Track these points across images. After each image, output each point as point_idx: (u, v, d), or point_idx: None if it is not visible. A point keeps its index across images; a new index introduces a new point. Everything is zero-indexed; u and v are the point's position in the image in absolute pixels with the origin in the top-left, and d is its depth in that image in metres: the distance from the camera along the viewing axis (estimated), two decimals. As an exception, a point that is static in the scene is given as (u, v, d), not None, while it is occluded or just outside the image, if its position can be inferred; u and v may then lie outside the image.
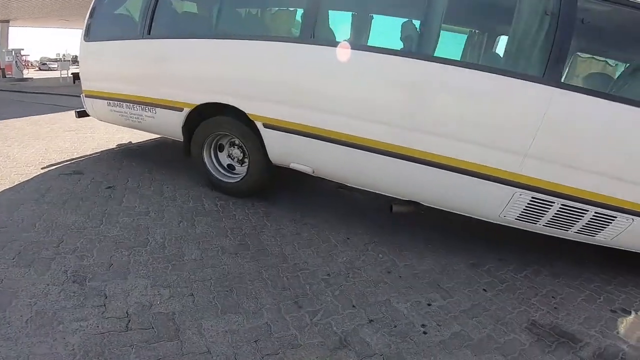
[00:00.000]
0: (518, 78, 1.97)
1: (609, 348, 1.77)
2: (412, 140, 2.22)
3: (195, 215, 2.67)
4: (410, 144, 2.23)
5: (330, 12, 2.70)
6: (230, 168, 3.14)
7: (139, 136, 4.68)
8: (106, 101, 3.42)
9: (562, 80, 1.98)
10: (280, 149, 2.66)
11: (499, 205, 2.21)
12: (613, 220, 2.03)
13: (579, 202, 2.04)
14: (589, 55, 2.68)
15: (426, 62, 2.14)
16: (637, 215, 1.98)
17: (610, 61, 2.66)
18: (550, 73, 1.90)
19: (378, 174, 2.45)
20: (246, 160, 2.98)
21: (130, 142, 4.48)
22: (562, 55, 1.87)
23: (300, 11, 2.69)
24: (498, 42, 3.26)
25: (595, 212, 2.03)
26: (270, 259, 2.26)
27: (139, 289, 1.88)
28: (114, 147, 4.24)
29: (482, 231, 2.77)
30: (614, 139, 1.95)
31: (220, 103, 2.72)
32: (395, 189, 2.50)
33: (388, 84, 2.26)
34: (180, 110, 2.92)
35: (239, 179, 3.01)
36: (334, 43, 2.38)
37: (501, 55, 2.23)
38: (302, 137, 2.48)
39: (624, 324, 1.99)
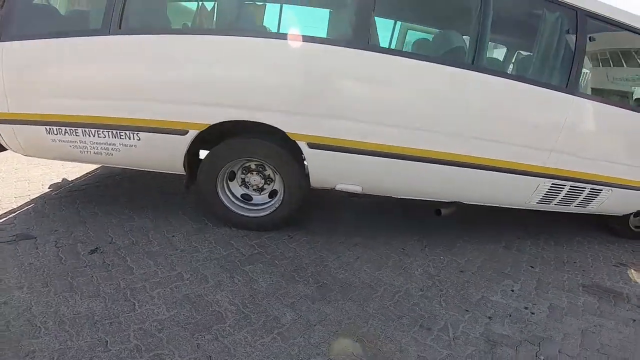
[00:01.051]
0: (548, 88, 2.38)
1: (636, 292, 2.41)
2: (460, 147, 2.39)
3: (242, 265, 2.16)
4: (458, 150, 2.39)
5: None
6: (245, 198, 2.65)
7: (70, 169, 3.32)
8: (45, 127, 2.29)
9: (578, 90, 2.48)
10: (328, 170, 2.41)
11: (528, 194, 2.64)
12: (600, 192, 2.71)
13: (581, 183, 2.63)
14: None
15: (479, 73, 2.31)
16: (614, 187, 2.69)
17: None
18: (571, 85, 2.37)
19: (429, 181, 2.53)
20: (266, 187, 2.59)
21: (64, 179, 3.12)
22: (580, 69, 2.36)
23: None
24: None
25: (591, 189, 2.67)
26: (359, 292, 2.07)
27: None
28: (48, 190, 2.88)
29: (485, 217, 3.22)
30: (603, 134, 2.60)
31: (247, 121, 2.23)
32: (443, 194, 2.64)
33: (449, 96, 2.34)
34: (184, 133, 2.23)
35: (269, 211, 2.54)
36: (390, 50, 2.30)
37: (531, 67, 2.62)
38: (354, 154, 2.31)
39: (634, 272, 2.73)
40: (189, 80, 2.18)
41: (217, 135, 2.35)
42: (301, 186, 2.46)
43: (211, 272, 2.06)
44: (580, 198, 2.73)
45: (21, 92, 2.29)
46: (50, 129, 2.30)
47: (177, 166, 2.39)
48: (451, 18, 2.91)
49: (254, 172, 2.56)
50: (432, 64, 2.25)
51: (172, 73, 2.19)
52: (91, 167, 3.36)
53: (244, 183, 2.61)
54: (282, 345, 1.63)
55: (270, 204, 2.58)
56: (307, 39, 2.14)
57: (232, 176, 2.57)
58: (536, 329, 1.94)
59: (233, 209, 2.55)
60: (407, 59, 2.26)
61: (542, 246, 2.95)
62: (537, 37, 2.37)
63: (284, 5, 3.05)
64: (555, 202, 2.73)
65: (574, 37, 2.34)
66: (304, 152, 2.29)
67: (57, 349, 1.42)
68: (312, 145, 2.27)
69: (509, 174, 2.51)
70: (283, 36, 2.23)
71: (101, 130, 2.26)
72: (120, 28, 2.13)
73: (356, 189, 2.47)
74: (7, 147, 2.49)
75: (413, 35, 3.12)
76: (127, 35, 2.17)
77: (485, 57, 2.34)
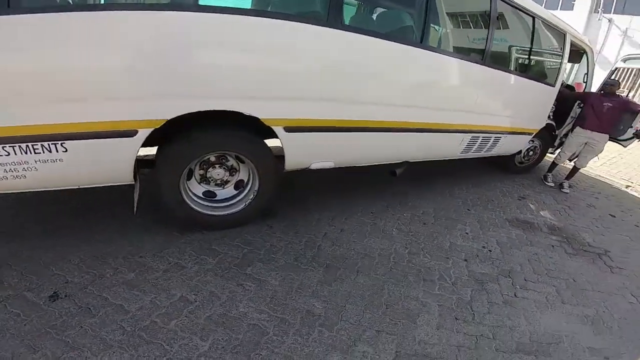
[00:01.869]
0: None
1: (543, 221, 3.26)
2: (411, 116, 2.65)
3: (241, 269, 1.92)
4: (409, 119, 2.65)
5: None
6: (208, 195, 2.32)
7: None
8: None
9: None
10: (304, 151, 2.31)
11: (457, 146, 3.21)
12: (500, 139, 3.47)
13: (489, 133, 3.31)
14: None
15: (428, 51, 2.56)
16: (507, 134, 3.49)
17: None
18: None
19: (387, 147, 2.77)
20: (230, 179, 2.32)
21: None
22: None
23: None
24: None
25: (494, 137, 3.38)
26: (361, 263, 2.18)
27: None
28: None
29: (420, 171, 3.69)
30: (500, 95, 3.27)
31: (213, 110, 1.87)
32: (396, 156, 2.92)
33: (400, 71, 2.51)
34: (132, 134, 1.74)
35: (244, 204, 2.28)
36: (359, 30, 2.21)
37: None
38: (327, 132, 2.29)
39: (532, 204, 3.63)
40: (136, 68, 1.68)
41: (164, 132, 1.94)
42: (276, 172, 2.32)
43: (215, 285, 1.81)
44: (488, 145, 3.45)
45: None
46: None
47: (122, 176, 1.89)
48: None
49: (216, 165, 2.25)
50: (382, 40, 2.34)
51: (110, 60, 1.62)
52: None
53: (204, 179, 2.28)
54: (331, 334, 1.64)
55: (241, 197, 2.34)
56: (273, 14, 1.93)
57: (189, 174, 2.21)
58: (500, 263, 2.46)
59: (202, 210, 2.20)
60: (363, 35, 2.25)
61: (467, 189, 3.64)
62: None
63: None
64: (472, 150, 3.37)
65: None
66: (280, 136, 2.13)
67: None
68: (288, 129, 2.13)
69: (444, 133, 2.99)
70: (252, 12, 1.92)
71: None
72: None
73: (329, 164, 2.48)
74: None
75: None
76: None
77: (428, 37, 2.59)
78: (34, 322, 1.45)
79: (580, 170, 4.38)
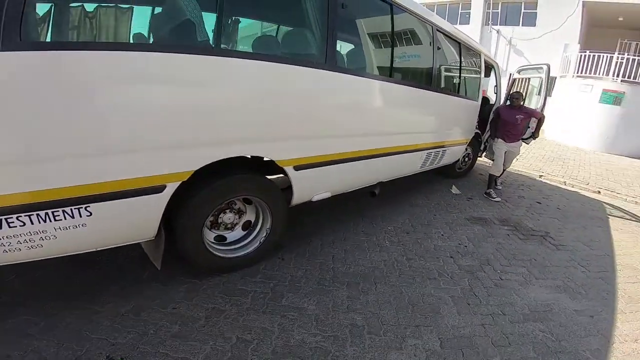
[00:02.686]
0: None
1: (492, 215, 3.91)
2: (388, 142, 3.14)
3: (277, 302, 2.03)
4: (386, 144, 3.13)
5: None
6: (219, 240, 2.37)
7: None
8: None
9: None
10: (309, 186, 2.54)
11: (419, 162, 3.76)
12: (446, 151, 4.13)
13: (438, 148, 3.95)
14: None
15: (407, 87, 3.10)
16: (451, 146, 4.16)
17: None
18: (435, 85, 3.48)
19: (369, 172, 3.15)
20: (237, 221, 2.40)
21: None
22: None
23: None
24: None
25: (442, 150, 4.05)
26: (375, 275, 2.45)
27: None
28: None
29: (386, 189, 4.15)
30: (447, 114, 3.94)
31: (229, 158, 1.99)
32: (376, 178, 3.31)
33: (382, 104, 2.98)
34: (160, 190, 1.76)
35: (258, 243, 2.38)
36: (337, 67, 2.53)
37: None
38: (327, 166, 2.57)
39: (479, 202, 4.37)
40: (165, 118, 1.71)
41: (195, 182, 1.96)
42: (282, 210, 2.48)
43: (262, 322, 1.89)
44: (438, 158, 4.10)
45: None
46: None
47: (147, 234, 1.88)
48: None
49: (226, 210, 2.35)
50: (366, 79, 2.80)
51: (145, 110, 1.63)
52: None
53: (214, 225, 2.34)
54: (380, 337, 1.86)
55: (253, 236, 2.44)
56: (276, 58, 2.21)
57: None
58: (477, 255, 2.94)
59: (221, 255, 2.27)
60: (353, 76, 2.68)
61: (427, 198, 4.19)
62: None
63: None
64: (428, 164, 3.97)
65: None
66: (290, 175, 2.36)
67: None
68: (297, 168, 2.37)
69: (411, 153, 3.52)
70: (259, 56, 2.10)
71: (13, 217, 1.39)
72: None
73: (326, 195, 2.75)
74: None
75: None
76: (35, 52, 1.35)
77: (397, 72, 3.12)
78: None
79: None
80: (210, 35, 1.96)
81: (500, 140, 4.58)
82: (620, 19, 12.95)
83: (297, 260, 2.57)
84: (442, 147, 4.09)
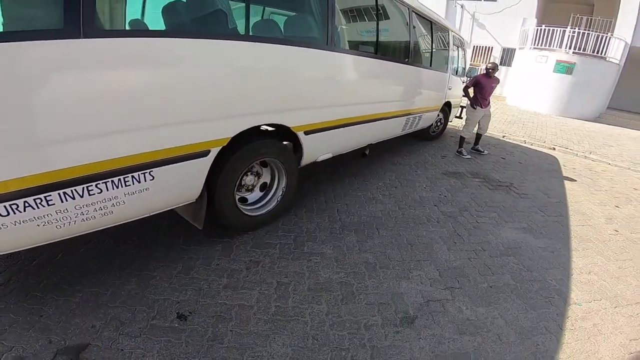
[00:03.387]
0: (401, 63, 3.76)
1: (465, 170, 4.47)
2: (377, 109, 3.52)
3: (313, 249, 2.44)
4: (376, 111, 3.51)
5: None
6: (242, 201, 2.66)
7: None
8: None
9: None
10: (315, 149, 2.85)
11: (400, 127, 4.20)
12: (422, 117, 4.60)
13: (416, 114, 4.39)
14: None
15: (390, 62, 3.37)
16: (425, 112, 4.64)
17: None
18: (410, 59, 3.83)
19: (364, 135, 3.54)
20: (255, 183, 2.71)
21: None
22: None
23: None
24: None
25: (419, 116, 4.50)
26: (377, 222, 2.87)
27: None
28: None
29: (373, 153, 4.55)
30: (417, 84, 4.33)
31: (262, 125, 2.31)
32: (367, 140, 3.72)
33: (370, 77, 3.33)
34: (205, 154, 2.02)
35: (276, 202, 2.70)
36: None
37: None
38: (330, 130, 2.90)
39: (452, 159, 4.93)
40: (208, 94, 1.94)
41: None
42: (295, 171, 2.81)
43: (293, 267, 2.25)
44: (415, 122, 4.58)
45: None
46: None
47: (194, 194, 2.12)
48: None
49: (248, 173, 2.63)
50: (366, 58, 3.13)
51: (193, 87, 1.86)
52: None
53: (237, 188, 2.63)
54: (391, 270, 2.28)
55: (270, 196, 2.75)
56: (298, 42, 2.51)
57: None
58: (456, 203, 3.47)
59: (249, 213, 2.59)
60: (352, 55, 3.05)
61: (407, 157, 4.71)
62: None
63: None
64: (407, 128, 4.43)
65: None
66: (301, 139, 2.67)
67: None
68: (307, 132, 2.68)
69: (394, 118, 3.92)
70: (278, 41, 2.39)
71: (93, 184, 1.58)
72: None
73: (329, 155, 3.09)
74: None
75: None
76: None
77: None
78: (182, 346, 1.62)
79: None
80: (244, 24, 2.18)
81: (478, 107, 5.07)
82: None
83: (308, 215, 2.94)
84: (419, 113, 4.55)
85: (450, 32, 5.35)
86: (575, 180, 4.85)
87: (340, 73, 2.93)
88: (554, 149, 6.63)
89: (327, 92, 2.80)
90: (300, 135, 2.65)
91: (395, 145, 5.15)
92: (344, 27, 3.44)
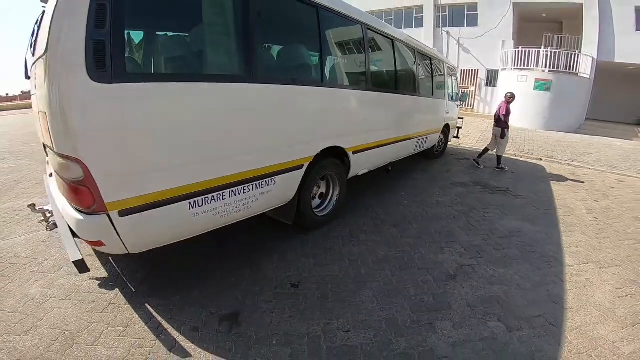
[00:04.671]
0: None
1: (467, 180, 5.37)
2: (400, 132, 4.46)
3: (366, 238, 3.22)
4: (399, 134, 4.44)
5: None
6: None
7: None
8: (187, 202, 2.01)
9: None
10: (359, 165, 3.72)
11: (413, 147, 5.14)
12: (427, 138, 5.55)
13: (422, 136, 5.35)
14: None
15: (389, 94, 4.24)
16: (430, 134, 5.63)
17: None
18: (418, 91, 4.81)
19: (391, 154, 4.44)
20: (316, 193, 3.46)
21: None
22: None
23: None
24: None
25: (424, 137, 5.45)
26: (410, 218, 3.69)
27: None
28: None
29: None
30: (421, 113, 5.30)
31: (329, 147, 3.13)
32: (391, 159, 4.60)
33: (385, 109, 4.21)
34: (300, 167, 2.84)
35: (332, 207, 3.51)
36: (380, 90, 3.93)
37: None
38: (367, 151, 3.78)
39: (456, 172, 5.85)
40: (305, 125, 2.85)
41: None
42: (345, 183, 3.63)
43: (358, 249, 3.02)
44: (423, 143, 5.54)
45: (161, 164, 1.86)
46: (193, 202, 2.04)
47: (290, 196, 2.89)
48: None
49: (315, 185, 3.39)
50: (391, 94, 4.10)
51: (295, 121, 2.75)
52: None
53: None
54: (430, 248, 3.06)
55: (327, 202, 3.56)
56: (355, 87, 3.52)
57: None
58: (466, 205, 4.32)
59: (317, 214, 3.39)
60: (380, 93, 3.97)
61: (421, 173, 5.56)
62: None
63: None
64: (417, 148, 5.40)
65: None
66: (350, 157, 3.50)
67: None
68: (354, 152, 3.55)
69: (409, 140, 4.86)
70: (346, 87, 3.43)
71: (250, 184, 2.37)
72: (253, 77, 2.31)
73: (365, 170, 3.97)
74: (125, 244, 1.84)
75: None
76: (259, 84, 2.37)
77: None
78: (302, 304, 2.29)
79: (462, 147, 6.87)
80: (321, 73, 3.09)
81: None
82: (544, 15, 15.39)
83: (354, 216, 3.74)
84: (426, 135, 5.55)
85: (444, 64, 6.43)
86: (561, 183, 5.76)
87: (375, 107, 3.88)
88: (541, 159, 7.61)
89: (366, 122, 3.72)
90: (350, 154, 3.50)
91: (408, 165, 6.11)
92: (376, 71, 4.35)
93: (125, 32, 1.72)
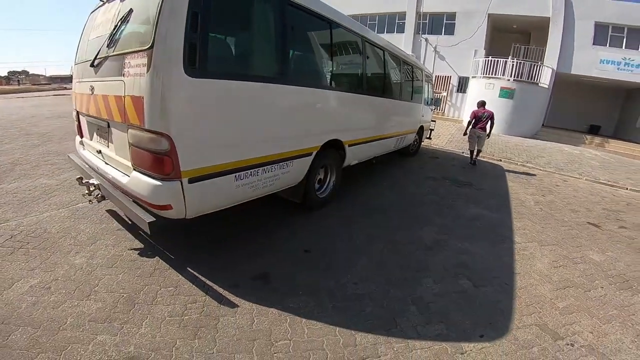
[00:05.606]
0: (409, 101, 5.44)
1: (438, 175, 6.10)
2: (385, 130, 5.11)
3: (369, 212, 3.81)
4: (383, 132, 5.09)
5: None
6: None
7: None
8: (233, 175, 2.52)
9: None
10: (352, 156, 4.33)
11: (393, 144, 5.84)
12: (405, 137, 6.35)
13: (401, 135, 6.05)
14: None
15: (377, 98, 4.86)
16: (407, 134, 6.37)
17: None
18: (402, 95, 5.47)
19: (376, 149, 5.08)
20: (316, 178, 4.04)
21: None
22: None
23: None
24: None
25: (402, 136, 6.15)
26: (406, 200, 4.33)
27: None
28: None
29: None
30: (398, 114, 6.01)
31: (331, 139, 3.71)
32: (376, 153, 5.27)
33: (374, 110, 4.82)
34: (310, 154, 3.40)
35: (330, 190, 4.09)
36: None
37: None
38: (359, 145, 4.40)
39: (427, 168, 6.50)
40: (317, 120, 3.46)
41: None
42: (339, 171, 4.22)
43: (349, 225, 3.60)
44: (401, 142, 6.24)
45: (218, 142, 2.37)
46: (238, 175, 2.58)
47: (300, 178, 3.42)
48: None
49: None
50: (381, 98, 4.71)
51: (311, 117, 3.36)
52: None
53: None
54: (414, 227, 3.73)
55: (326, 186, 4.13)
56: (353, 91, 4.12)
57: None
58: (437, 195, 5.07)
59: (318, 196, 3.95)
60: (371, 96, 4.56)
61: (397, 168, 6.26)
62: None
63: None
64: (396, 145, 6.07)
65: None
66: (346, 150, 4.08)
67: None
68: (350, 145, 4.14)
69: (391, 138, 5.56)
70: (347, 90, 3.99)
71: (273, 165, 2.93)
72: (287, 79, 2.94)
73: (356, 161, 4.59)
74: (187, 208, 2.27)
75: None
76: (292, 86, 3.01)
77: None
78: (319, 265, 2.86)
79: (433, 147, 7.68)
80: (330, 78, 3.67)
81: (474, 129, 7.25)
82: (515, 26, 16.72)
83: (345, 202, 4.33)
84: (404, 134, 6.27)
85: (422, 71, 7.16)
86: (515, 180, 6.69)
87: (367, 108, 4.51)
88: (501, 160, 8.60)
89: (360, 120, 4.35)
90: (346, 147, 4.08)
91: (388, 161, 6.84)
92: (370, 78, 4.91)
93: (209, 37, 2.21)
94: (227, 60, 2.58)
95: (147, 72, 2.01)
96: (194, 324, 2.05)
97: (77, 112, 3.33)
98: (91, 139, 3.13)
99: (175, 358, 1.80)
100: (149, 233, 2.27)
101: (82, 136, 3.41)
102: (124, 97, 2.25)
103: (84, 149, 3.36)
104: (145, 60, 2.02)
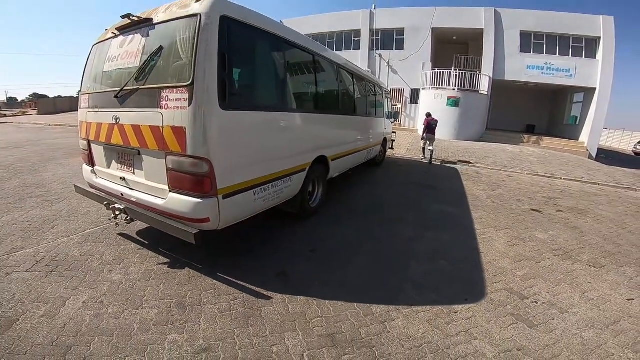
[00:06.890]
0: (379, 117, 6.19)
1: (406, 180, 6.91)
2: (358, 144, 5.81)
3: (362, 218, 4.38)
4: (357, 146, 5.80)
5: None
6: None
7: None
8: (252, 191, 3.00)
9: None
10: (334, 169, 4.93)
11: (364, 156, 6.66)
12: (373, 149, 7.24)
13: (371, 147, 6.93)
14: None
15: (351, 116, 5.58)
16: (374, 146, 7.35)
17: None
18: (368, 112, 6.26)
19: (351, 162, 5.77)
20: (309, 189, 4.59)
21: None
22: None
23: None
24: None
25: (372, 149, 7.09)
26: (409, 200, 4.98)
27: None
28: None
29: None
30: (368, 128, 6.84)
31: (319, 156, 4.28)
32: (350, 165, 5.91)
33: (350, 127, 5.52)
34: (304, 170, 3.92)
35: (319, 201, 4.62)
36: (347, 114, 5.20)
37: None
38: (340, 159, 5.05)
39: (397, 174, 7.33)
40: (309, 140, 4.02)
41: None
42: (325, 183, 4.80)
43: (344, 228, 4.18)
44: (370, 154, 7.08)
45: (242, 163, 2.84)
46: (256, 190, 3.07)
47: (296, 192, 3.90)
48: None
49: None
50: (354, 117, 5.39)
51: (306, 137, 3.92)
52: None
53: None
54: (402, 220, 4.40)
55: (315, 196, 4.66)
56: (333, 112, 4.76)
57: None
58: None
59: (310, 203, 4.48)
60: (348, 116, 5.25)
61: (370, 175, 6.98)
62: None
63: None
64: (365, 157, 6.84)
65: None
66: (330, 164, 4.69)
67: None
68: (332, 159, 4.76)
69: (362, 151, 6.33)
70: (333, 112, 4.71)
71: (279, 181, 3.41)
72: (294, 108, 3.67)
73: (337, 174, 5.24)
74: (221, 220, 2.69)
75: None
76: (293, 113, 3.67)
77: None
78: (324, 264, 3.41)
79: (396, 156, 8.60)
80: (316, 103, 4.29)
81: (427, 134, 8.79)
82: (454, 37, 18.58)
83: (335, 207, 4.93)
84: (372, 147, 7.10)
85: (383, 88, 8.08)
86: (469, 179, 7.73)
87: (344, 127, 5.23)
88: (455, 163, 9.73)
89: (339, 137, 5.02)
90: (330, 162, 4.70)
91: (361, 172, 7.59)
92: (344, 100, 5.59)
93: (233, 74, 2.71)
94: (247, 94, 3.07)
95: (189, 105, 2.41)
96: (243, 315, 2.48)
97: (89, 141, 3.44)
98: (108, 167, 3.30)
99: (239, 343, 2.21)
100: (194, 243, 2.59)
101: (93, 165, 3.53)
102: (162, 127, 2.58)
103: (96, 177, 3.47)
104: (186, 95, 2.42)
